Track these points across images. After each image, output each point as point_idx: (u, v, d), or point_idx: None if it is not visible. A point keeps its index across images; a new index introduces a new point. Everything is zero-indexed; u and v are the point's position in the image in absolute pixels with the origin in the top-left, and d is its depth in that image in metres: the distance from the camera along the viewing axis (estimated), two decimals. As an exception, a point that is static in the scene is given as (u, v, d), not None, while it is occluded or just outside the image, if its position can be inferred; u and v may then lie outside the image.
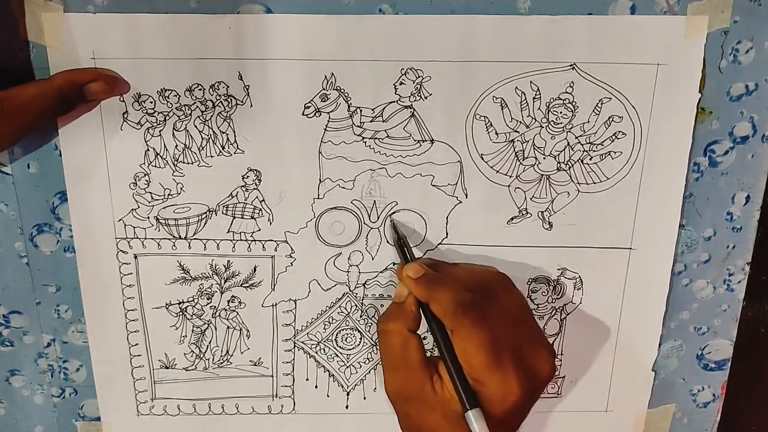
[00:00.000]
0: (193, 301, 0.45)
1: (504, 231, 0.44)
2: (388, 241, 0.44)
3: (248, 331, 0.46)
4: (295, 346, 0.46)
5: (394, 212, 0.43)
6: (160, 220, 0.43)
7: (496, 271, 0.43)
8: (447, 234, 0.44)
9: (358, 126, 0.42)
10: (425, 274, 0.39)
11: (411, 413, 0.38)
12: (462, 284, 0.39)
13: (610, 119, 0.42)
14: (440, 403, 0.37)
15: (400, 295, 0.40)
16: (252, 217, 0.43)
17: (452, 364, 0.37)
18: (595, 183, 0.43)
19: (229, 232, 0.43)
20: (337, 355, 0.47)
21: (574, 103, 0.41)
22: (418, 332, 0.39)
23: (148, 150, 0.41)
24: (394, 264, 0.45)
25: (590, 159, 0.43)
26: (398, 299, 0.40)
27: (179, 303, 0.45)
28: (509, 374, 0.36)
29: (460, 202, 0.43)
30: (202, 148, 0.42)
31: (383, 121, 0.42)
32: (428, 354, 0.39)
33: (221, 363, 0.47)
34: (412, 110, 0.41)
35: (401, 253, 0.42)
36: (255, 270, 0.44)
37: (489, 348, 0.36)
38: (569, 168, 0.43)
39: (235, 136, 0.41)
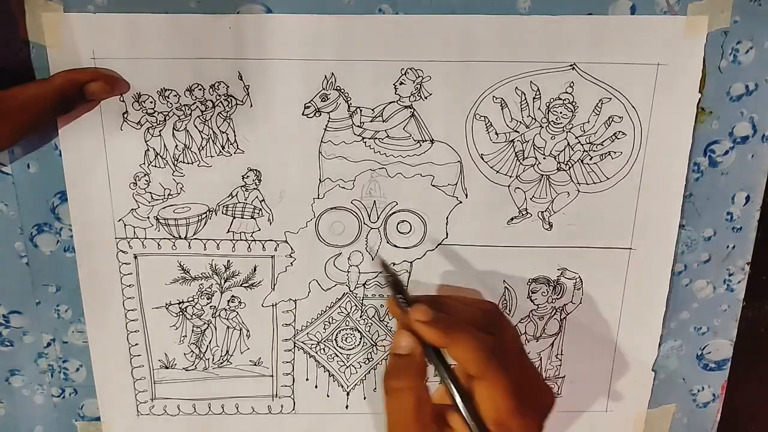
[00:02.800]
0: (193, 301, 0.45)
1: (504, 231, 0.44)
2: (388, 241, 0.44)
3: (248, 331, 0.46)
4: (295, 346, 0.46)
5: (394, 212, 0.43)
6: (160, 220, 0.43)
7: (489, 303, 0.41)
8: (447, 234, 0.44)
9: (358, 126, 0.42)
10: (436, 317, 0.35)
11: None
12: (471, 323, 0.36)
13: (610, 119, 0.42)
14: None
15: (405, 347, 0.35)
16: (252, 217, 0.43)
17: (472, 412, 0.34)
18: (595, 183, 0.43)
19: (229, 232, 0.43)
20: (337, 355, 0.47)
21: (574, 103, 0.41)
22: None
23: (148, 150, 0.41)
24: (394, 264, 0.45)
25: (590, 159, 0.43)
26: (402, 351, 0.35)
27: (179, 303, 0.45)
28: (530, 414, 0.35)
29: (460, 202, 0.43)
30: (202, 148, 0.42)
31: (383, 121, 0.42)
32: None
33: (221, 363, 0.47)
34: (412, 110, 0.41)
35: (396, 293, 0.37)
36: (255, 270, 0.44)
37: (513, 390, 0.34)
38: (569, 168, 0.43)
39: (235, 136, 0.41)
